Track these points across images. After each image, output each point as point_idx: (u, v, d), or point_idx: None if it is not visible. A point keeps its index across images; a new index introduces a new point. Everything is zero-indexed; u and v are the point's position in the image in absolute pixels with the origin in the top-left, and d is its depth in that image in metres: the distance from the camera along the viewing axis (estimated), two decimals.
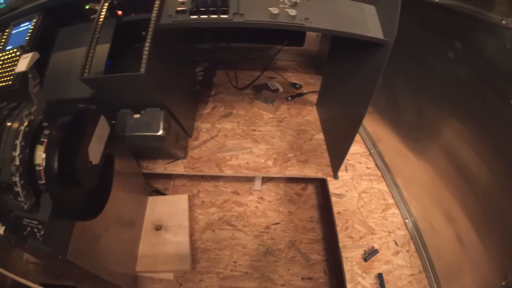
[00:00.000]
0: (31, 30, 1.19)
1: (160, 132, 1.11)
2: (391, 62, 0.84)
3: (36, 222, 0.77)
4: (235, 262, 1.32)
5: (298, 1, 0.91)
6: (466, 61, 0.85)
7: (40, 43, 1.18)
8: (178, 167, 1.33)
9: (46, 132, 0.80)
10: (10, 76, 1.14)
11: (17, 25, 1.25)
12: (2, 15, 1.23)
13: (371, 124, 1.44)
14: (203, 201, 1.45)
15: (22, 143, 0.74)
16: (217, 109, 1.49)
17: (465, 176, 0.90)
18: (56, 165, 0.74)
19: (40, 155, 0.77)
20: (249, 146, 1.36)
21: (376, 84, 0.90)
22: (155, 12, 0.97)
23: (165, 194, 1.47)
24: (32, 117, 0.78)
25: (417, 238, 1.12)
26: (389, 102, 1.28)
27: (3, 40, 1.25)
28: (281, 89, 1.50)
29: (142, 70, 0.91)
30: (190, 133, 1.39)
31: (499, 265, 0.75)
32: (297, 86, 1.53)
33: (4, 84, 1.13)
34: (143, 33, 1.31)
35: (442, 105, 0.99)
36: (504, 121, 0.74)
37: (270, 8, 0.90)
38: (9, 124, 0.77)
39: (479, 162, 0.84)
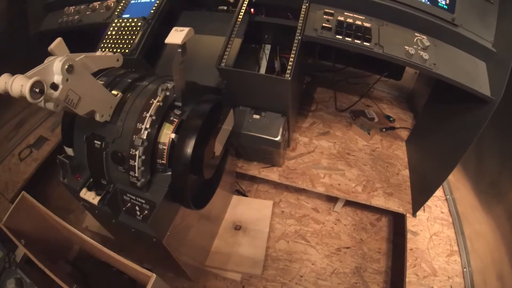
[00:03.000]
0: (157, 4, 1.18)
1: (278, 138, 1.13)
2: None
3: (142, 201, 0.74)
4: (301, 276, 1.34)
5: (428, 45, 0.95)
6: None
7: (164, 19, 1.18)
8: (272, 174, 1.35)
9: (177, 112, 0.76)
10: (127, 45, 1.13)
11: None
12: None
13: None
14: (283, 211, 1.47)
15: (153, 117, 0.70)
16: (316, 125, 1.52)
17: None
18: (190, 150, 0.72)
19: (166, 134, 0.74)
20: (343, 168, 1.39)
21: (475, 139, 0.92)
22: (300, 22, 0.99)
23: (246, 196, 1.48)
24: (168, 93, 0.75)
25: None
26: (474, 155, 1.31)
27: (120, 8, 1.25)
28: (376, 119, 1.53)
29: (288, 76, 0.92)
30: (289, 143, 1.41)
31: None
32: (391, 119, 1.56)
33: (120, 51, 1.11)
34: (266, 36, 1.34)
35: None
36: None
37: (407, 47, 0.94)
38: (133, 96, 0.73)
39: None
